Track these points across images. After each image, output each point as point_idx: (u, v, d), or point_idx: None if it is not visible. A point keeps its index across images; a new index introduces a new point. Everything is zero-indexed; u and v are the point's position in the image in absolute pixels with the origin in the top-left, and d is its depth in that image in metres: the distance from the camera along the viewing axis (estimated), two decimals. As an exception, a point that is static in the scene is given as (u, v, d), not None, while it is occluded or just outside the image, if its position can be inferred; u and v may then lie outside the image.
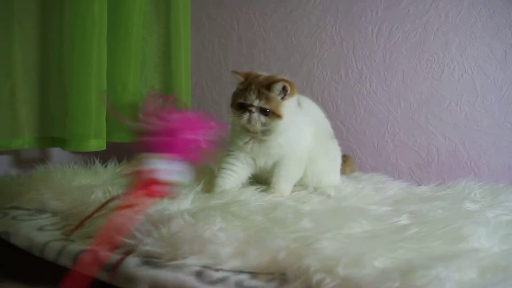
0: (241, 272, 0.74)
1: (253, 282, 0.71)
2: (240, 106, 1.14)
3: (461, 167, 1.56)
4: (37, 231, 0.95)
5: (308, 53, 1.75)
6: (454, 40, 1.53)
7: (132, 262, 0.78)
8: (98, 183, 1.23)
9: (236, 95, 1.17)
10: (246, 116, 1.13)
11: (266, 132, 1.16)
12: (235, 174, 1.23)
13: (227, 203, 1.04)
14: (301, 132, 1.24)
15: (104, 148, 1.40)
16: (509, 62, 1.47)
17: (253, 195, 1.14)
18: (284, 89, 1.14)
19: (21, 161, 1.46)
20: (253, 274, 0.73)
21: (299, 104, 1.23)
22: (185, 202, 1.01)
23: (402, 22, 1.59)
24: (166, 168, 0.82)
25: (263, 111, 1.13)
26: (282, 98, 1.14)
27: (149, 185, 0.82)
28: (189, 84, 1.75)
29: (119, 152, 1.79)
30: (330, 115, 1.70)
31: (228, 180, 1.21)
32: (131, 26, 1.48)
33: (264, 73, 1.22)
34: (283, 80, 1.14)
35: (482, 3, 1.48)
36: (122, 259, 0.79)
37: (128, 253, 0.81)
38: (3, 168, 1.37)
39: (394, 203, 1.16)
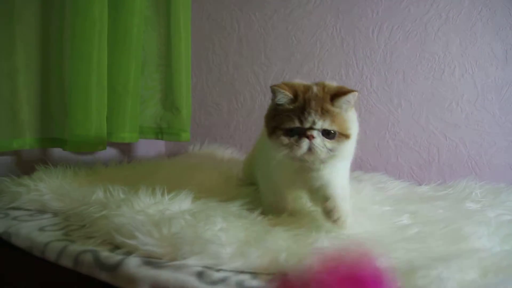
0: (242, 272, 0.74)
1: (254, 282, 0.71)
2: (292, 133, 0.86)
3: (462, 166, 1.56)
4: (38, 232, 0.95)
5: (308, 53, 1.75)
6: (455, 40, 1.53)
7: (133, 263, 0.78)
8: (99, 183, 1.23)
9: (282, 117, 0.87)
10: (304, 144, 0.84)
11: (327, 159, 0.88)
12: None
13: (228, 203, 1.04)
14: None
15: (105, 148, 1.40)
16: (510, 62, 1.47)
17: (254, 193, 1.14)
18: (354, 100, 0.88)
19: (22, 161, 1.46)
20: (254, 274, 0.73)
21: None
22: (186, 203, 1.01)
23: (403, 22, 1.59)
24: None
25: (327, 134, 0.85)
26: (346, 112, 0.88)
27: None
28: (189, 85, 1.75)
29: (120, 152, 1.80)
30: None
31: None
32: (131, 27, 1.48)
33: (307, 82, 0.94)
34: (353, 90, 0.88)
35: (483, 3, 1.48)
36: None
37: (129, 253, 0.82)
38: (4, 168, 1.37)
39: (394, 203, 1.16)
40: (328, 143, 0.85)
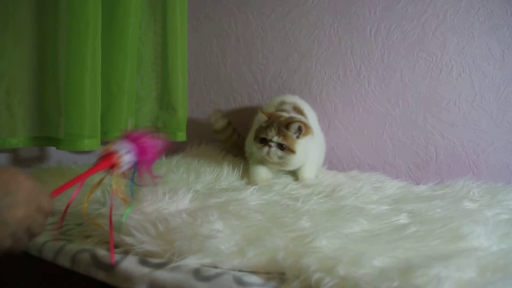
0: (240, 271, 0.74)
1: (253, 278, 0.71)
2: (261, 140, 1.34)
3: (460, 166, 1.56)
4: (35, 231, 0.94)
5: (306, 53, 1.76)
6: (452, 39, 1.53)
7: (130, 262, 0.78)
8: (96, 182, 1.22)
9: (259, 131, 1.36)
10: (266, 149, 1.32)
11: (281, 163, 1.37)
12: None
13: (225, 202, 1.04)
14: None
15: (99, 147, 1.40)
16: (507, 61, 1.47)
17: (252, 193, 1.14)
18: (299, 129, 1.32)
19: (18, 160, 1.46)
20: (252, 273, 0.73)
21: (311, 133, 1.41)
22: (184, 202, 1.01)
23: (400, 22, 1.59)
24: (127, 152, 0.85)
25: (280, 146, 1.32)
26: (297, 137, 1.33)
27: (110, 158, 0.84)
28: (185, 84, 1.75)
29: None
30: (328, 115, 1.72)
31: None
32: (127, 26, 1.47)
33: (285, 114, 1.39)
34: (299, 121, 1.33)
35: (480, 3, 1.48)
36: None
37: (126, 251, 0.81)
38: (0, 167, 1.37)
39: (392, 202, 1.16)
40: (280, 152, 1.33)
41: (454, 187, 1.33)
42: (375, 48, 1.64)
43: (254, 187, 1.22)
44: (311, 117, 1.52)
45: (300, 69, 1.77)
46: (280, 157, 1.33)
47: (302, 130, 1.33)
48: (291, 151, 1.32)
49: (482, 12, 1.48)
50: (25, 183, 0.65)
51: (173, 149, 1.97)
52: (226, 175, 1.38)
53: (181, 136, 1.72)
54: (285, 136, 1.31)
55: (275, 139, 1.31)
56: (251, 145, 1.42)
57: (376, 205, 1.10)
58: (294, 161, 1.35)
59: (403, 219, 0.97)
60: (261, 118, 1.38)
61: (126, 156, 0.84)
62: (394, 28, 1.60)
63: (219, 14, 1.91)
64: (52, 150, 1.51)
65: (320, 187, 1.31)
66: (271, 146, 1.32)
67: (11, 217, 0.62)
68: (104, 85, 1.45)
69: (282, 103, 1.50)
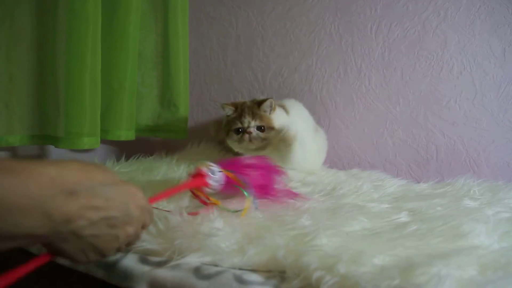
0: (240, 269, 0.73)
1: (253, 276, 0.71)
2: (237, 131, 1.34)
3: (460, 164, 1.56)
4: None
5: (307, 51, 1.75)
6: (453, 37, 1.53)
7: (130, 260, 0.78)
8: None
9: (230, 123, 1.36)
10: (246, 137, 1.32)
11: (264, 146, 1.36)
12: None
13: (225, 201, 1.04)
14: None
15: (98, 146, 1.40)
16: (508, 59, 1.47)
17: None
18: (270, 105, 1.35)
19: (18, 158, 1.46)
20: (252, 271, 0.73)
21: (285, 110, 1.44)
22: (184, 200, 1.01)
23: (401, 20, 1.59)
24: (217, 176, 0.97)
25: (260, 128, 1.33)
26: (269, 114, 1.36)
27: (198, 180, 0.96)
28: (187, 82, 1.75)
29: (118, 150, 1.79)
30: (329, 113, 1.72)
31: None
32: (128, 24, 1.47)
33: (246, 100, 1.42)
34: (268, 98, 1.36)
35: (481, 1, 1.48)
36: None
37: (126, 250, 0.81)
38: None
39: (393, 200, 1.16)
40: (261, 134, 1.34)
41: (455, 186, 1.33)
42: (376, 46, 1.64)
43: None
44: (296, 115, 1.49)
45: (301, 67, 1.76)
46: (263, 139, 1.34)
47: (272, 105, 1.36)
48: (271, 128, 1.34)
49: (483, 10, 1.48)
50: (141, 201, 0.68)
51: (174, 147, 1.98)
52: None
53: (182, 134, 1.72)
54: (261, 117, 1.34)
55: (253, 123, 1.33)
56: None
57: (376, 203, 1.09)
58: (275, 137, 1.35)
59: (403, 217, 0.97)
60: (228, 110, 1.39)
61: (214, 182, 0.96)
62: (395, 26, 1.60)
63: (219, 12, 1.90)
64: (52, 148, 1.51)
65: (320, 185, 1.31)
66: (251, 132, 1.33)
67: (123, 233, 0.65)
68: (105, 83, 1.45)
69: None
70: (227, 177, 0.97)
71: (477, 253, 0.74)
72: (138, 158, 1.61)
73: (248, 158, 1.04)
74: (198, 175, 0.95)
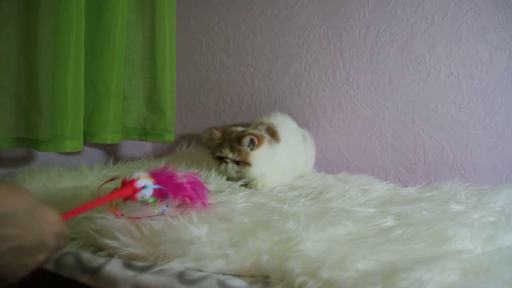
0: (224, 274, 0.73)
1: (237, 281, 0.71)
2: (218, 158, 1.39)
3: (448, 168, 1.57)
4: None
5: (295, 55, 1.76)
6: (441, 42, 1.54)
7: (114, 265, 0.77)
8: (84, 185, 1.22)
9: (215, 149, 1.42)
10: (223, 166, 1.37)
11: (241, 177, 1.38)
12: None
13: (212, 205, 1.03)
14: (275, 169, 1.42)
15: (81, 149, 1.38)
16: (495, 64, 1.48)
17: (241, 197, 1.14)
18: (251, 141, 1.35)
19: (3, 161, 1.44)
20: (236, 276, 0.73)
21: (276, 138, 1.45)
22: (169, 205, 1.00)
23: (389, 24, 1.60)
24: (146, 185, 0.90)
25: (236, 161, 1.37)
26: (251, 149, 1.36)
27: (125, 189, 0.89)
28: (174, 85, 1.74)
29: (105, 153, 1.79)
30: (317, 116, 1.72)
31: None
32: (114, 26, 1.46)
33: (239, 128, 1.45)
34: (250, 134, 1.36)
35: (467, 6, 1.49)
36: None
37: (111, 255, 0.81)
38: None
39: (379, 204, 1.16)
40: (236, 167, 1.37)
41: (442, 189, 1.34)
42: (364, 50, 1.65)
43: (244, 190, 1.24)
44: (288, 137, 1.50)
45: (290, 71, 1.77)
46: (237, 172, 1.37)
47: (255, 142, 1.35)
48: (247, 164, 1.36)
49: (470, 15, 1.49)
50: (57, 227, 0.64)
51: (162, 150, 1.97)
52: (214, 177, 1.37)
53: (169, 137, 1.71)
54: (239, 151, 1.36)
55: (230, 155, 1.36)
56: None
57: (363, 208, 1.10)
58: (252, 172, 1.37)
59: (389, 221, 0.97)
60: (215, 135, 1.44)
61: (143, 191, 0.89)
62: (383, 30, 1.61)
63: (208, 15, 1.90)
64: (39, 152, 1.49)
65: (308, 189, 1.31)
66: (227, 163, 1.37)
67: (33, 262, 0.61)
68: (91, 85, 1.44)
69: (261, 123, 1.51)
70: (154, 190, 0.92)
71: (460, 257, 0.74)
72: (126, 161, 1.61)
73: (181, 175, 0.99)
74: (128, 186, 0.88)
